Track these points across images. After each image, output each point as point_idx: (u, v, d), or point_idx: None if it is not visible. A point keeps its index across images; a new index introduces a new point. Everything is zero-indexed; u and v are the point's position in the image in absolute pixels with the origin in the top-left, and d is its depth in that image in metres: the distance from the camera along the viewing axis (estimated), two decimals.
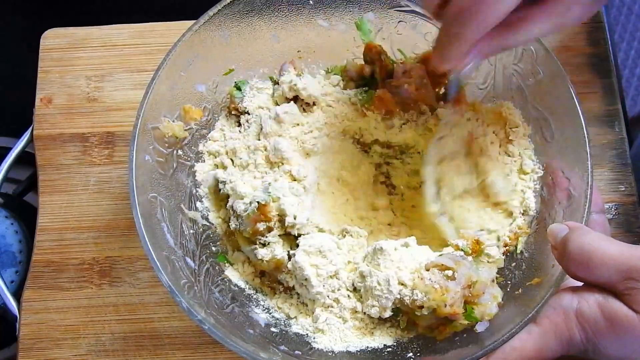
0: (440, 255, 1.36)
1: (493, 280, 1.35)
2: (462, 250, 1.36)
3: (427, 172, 1.42)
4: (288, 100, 1.50)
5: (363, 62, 1.53)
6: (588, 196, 1.32)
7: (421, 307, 1.30)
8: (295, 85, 1.48)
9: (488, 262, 1.39)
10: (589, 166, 1.34)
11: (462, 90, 1.46)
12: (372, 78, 1.52)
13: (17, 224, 1.85)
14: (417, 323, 1.37)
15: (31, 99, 1.74)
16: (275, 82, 1.54)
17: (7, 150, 1.72)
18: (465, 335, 1.34)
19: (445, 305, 1.28)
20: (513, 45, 1.29)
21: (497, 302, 1.34)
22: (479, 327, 1.34)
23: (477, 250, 1.37)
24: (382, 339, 1.38)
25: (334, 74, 1.55)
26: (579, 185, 1.34)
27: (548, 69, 1.40)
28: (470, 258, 1.35)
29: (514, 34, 1.18)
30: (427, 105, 1.48)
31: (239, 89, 1.53)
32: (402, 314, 1.37)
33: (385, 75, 1.48)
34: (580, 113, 1.36)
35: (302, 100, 1.49)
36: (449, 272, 1.30)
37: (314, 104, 1.49)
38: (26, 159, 1.73)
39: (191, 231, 1.45)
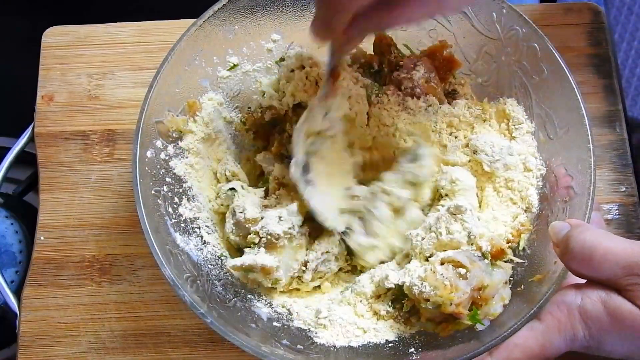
0: (459, 251, 1.36)
1: (506, 282, 1.35)
2: (482, 253, 1.36)
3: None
4: (292, 71, 1.51)
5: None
6: (591, 194, 1.32)
7: (427, 300, 1.30)
8: (302, 55, 1.49)
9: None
10: (592, 163, 1.34)
11: (338, 67, 1.43)
12: (379, 70, 1.52)
13: (17, 224, 1.84)
14: (420, 312, 1.37)
15: (31, 99, 1.74)
16: (281, 60, 1.55)
17: (7, 150, 1.71)
18: (466, 331, 1.34)
19: (451, 304, 1.28)
20: (390, 26, 1.32)
21: (504, 303, 1.34)
22: (480, 325, 1.34)
23: (497, 257, 1.37)
24: (384, 334, 1.38)
25: None
26: (582, 182, 1.35)
27: (552, 67, 1.41)
28: (486, 261, 1.35)
29: (391, 16, 1.18)
30: (435, 98, 1.48)
31: None
32: (407, 299, 1.37)
33: (393, 67, 1.49)
34: (584, 111, 1.37)
35: (309, 74, 1.50)
36: (462, 271, 1.30)
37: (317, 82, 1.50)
38: (26, 158, 1.73)
39: (193, 225, 1.45)
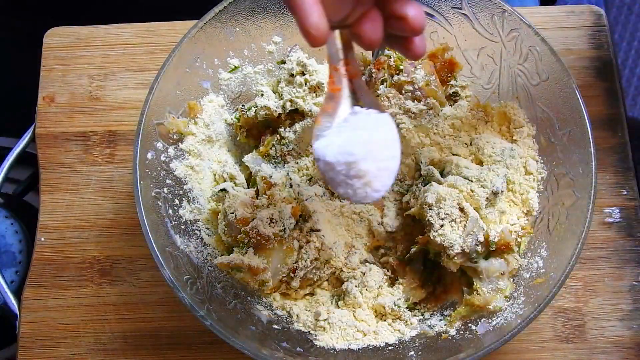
0: None
1: (503, 273, 1.36)
2: (487, 241, 1.36)
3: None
4: (292, 76, 1.51)
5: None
6: (592, 197, 1.32)
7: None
8: (302, 61, 1.49)
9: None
10: (593, 167, 1.34)
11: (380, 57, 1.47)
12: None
13: (17, 224, 1.84)
14: (434, 271, 1.44)
15: (32, 99, 1.73)
16: (282, 62, 1.55)
17: (8, 150, 1.71)
18: (466, 334, 1.34)
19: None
20: None
21: (504, 296, 1.35)
22: (480, 329, 1.34)
23: (501, 251, 1.37)
24: (383, 337, 1.39)
25: None
26: (583, 186, 1.35)
27: (553, 70, 1.41)
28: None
29: None
30: (436, 101, 1.48)
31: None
32: (432, 255, 1.41)
33: (393, 71, 1.49)
34: (585, 114, 1.37)
35: (308, 82, 1.50)
36: None
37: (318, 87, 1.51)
38: (26, 159, 1.73)
39: (194, 227, 1.45)
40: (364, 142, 1.11)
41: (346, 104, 1.16)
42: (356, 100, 1.17)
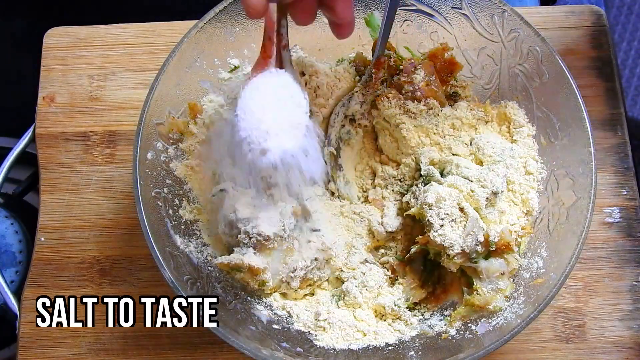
0: None
1: (503, 274, 1.36)
2: (487, 241, 1.36)
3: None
4: None
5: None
6: (592, 197, 1.32)
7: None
8: (302, 60, 1.49)
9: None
10: (593, 167, 1.34)
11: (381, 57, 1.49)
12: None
13: (17, 224, 1.84)
14: (434, 271, 1.44)
15: (32, 99, 1.73)
16: None
17: (8, 150, 1.71)
18: (466, 334, 1.34)
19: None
20: None
21: (505, 296, 1.35)
22: (480, 329, 1.34)
23: (501, 250, 1.37)
24: (384, 337, 1.38)
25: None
26: (583, 185, 1.35)
27: (553, 70, 1.41)
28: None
29: None
30: (436, 101, 1.48)
31: None
32: (432, 255, 1.41)
33: (393, 71, 1.49)
34: (585, 114, 1.37)
35: (308, 82, 1.50)
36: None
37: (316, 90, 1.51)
38: (26, 159, 1.73)
39: (194, 227, 1.45)
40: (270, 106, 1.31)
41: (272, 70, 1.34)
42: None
